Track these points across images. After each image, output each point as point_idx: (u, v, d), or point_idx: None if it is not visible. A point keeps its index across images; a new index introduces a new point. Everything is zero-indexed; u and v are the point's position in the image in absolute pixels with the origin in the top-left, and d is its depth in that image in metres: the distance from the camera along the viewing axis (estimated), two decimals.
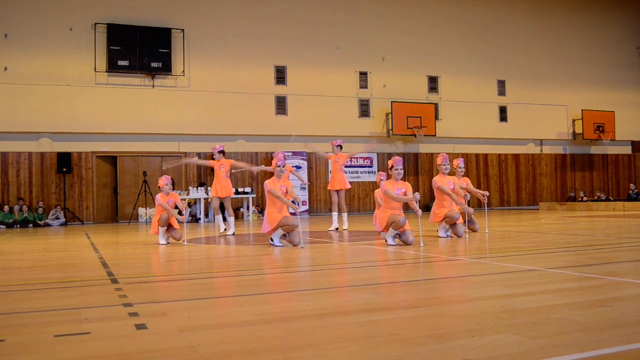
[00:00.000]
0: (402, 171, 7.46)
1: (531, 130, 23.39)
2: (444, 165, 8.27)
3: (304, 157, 19.69)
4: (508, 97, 23.09)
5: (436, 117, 21.25)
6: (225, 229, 10.43)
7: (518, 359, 2.23)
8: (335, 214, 10.94)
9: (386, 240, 7.35)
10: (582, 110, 23.63)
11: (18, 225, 15.90)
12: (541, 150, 23.92)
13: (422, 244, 6.99)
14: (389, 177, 7.77)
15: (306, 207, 19.64)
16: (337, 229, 10.75)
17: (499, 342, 2.47)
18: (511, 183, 23.25)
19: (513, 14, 23.50)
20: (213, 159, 10.47)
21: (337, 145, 11.02)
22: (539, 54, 23.72)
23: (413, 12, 21.78)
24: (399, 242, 7.38)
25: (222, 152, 10.45)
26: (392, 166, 7.43)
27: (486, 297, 3.58)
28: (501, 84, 23.08)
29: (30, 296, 4.12)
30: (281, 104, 19.78)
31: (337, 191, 10.86)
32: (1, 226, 15.75)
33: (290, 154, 19.01)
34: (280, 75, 19.90)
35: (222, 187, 10.32)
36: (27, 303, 3.78)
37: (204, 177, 18.71)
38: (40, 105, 17.05)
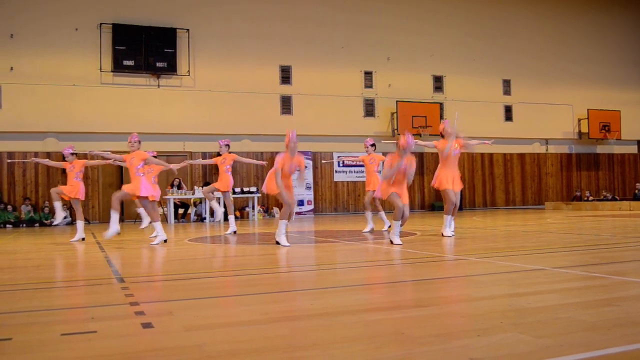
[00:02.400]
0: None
1: (537, 129, 23.29)
2: (448, 129, 8.29)
3: (309, 157, 19.69)
4: (513, 96, 23.01)
5: (441, 117, 21.17)
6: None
7: (524, 358, 2.23)
8: (231, 217, 10.50)
9: (392, 242, 7.33)
10: (587, 109, 23.52)
11: (24, 225, 15.96)
12: (547, 150, 23.84)
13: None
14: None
15: (311, 207, 19.65)
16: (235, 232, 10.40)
17: (505, 341, 2.46)
18: (517, 182, 23.18)
19: (518, 14, 23.41)
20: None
21: (225, 145, 10.39)
22: (545, 53, 23.63)
23: (418, 11, 21.73)
24: (404, 241, 7.37)
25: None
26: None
27: (492, 297, 3.57)
28: (506, 84, 23.00)
29: (37, 295, 4.14)
30: (286, 104, 19.79)
31: (224, 192, 10.42)
32: (7, 225, 15.82)
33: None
34: (286, 75, 19.90)
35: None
36: (33, 302, 3.80)
37: (210, 177, 18.73)
38: (46, 105, 17.10)
